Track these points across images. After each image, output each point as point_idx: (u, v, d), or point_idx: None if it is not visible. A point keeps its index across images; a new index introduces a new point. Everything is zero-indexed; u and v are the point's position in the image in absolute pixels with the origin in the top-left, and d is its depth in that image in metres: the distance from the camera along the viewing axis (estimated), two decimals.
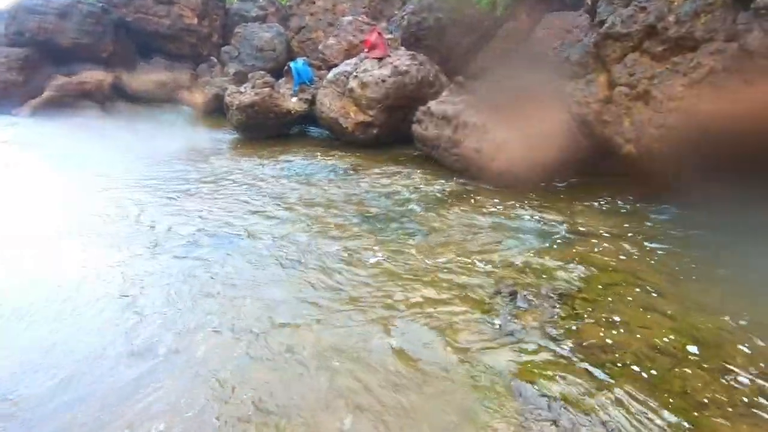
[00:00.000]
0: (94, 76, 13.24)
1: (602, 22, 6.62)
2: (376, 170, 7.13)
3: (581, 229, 4.84)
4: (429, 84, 8.60)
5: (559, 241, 4.55)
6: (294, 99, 9.20)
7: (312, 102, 9.11)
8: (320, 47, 10.48)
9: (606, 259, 4.07)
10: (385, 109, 8.20)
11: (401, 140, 8.65)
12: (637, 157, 6.07)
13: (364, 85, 8.08)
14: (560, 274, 3.80)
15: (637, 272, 3.78)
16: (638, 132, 6.16)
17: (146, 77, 14.42)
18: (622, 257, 4.10)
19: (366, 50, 8.67)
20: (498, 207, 5.44)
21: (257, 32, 15.33)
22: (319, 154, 8.11)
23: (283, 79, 9.74)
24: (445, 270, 3.94)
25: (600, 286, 3.58)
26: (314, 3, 15.21)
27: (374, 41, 8.55)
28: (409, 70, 8.28)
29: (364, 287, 3.65)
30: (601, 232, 4.75)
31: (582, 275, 3.77)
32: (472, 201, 5.67)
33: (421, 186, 6.28)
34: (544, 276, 3.78)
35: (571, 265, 3.94)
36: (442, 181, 6.49)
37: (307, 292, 3.59)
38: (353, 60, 8.74)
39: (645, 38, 6.02)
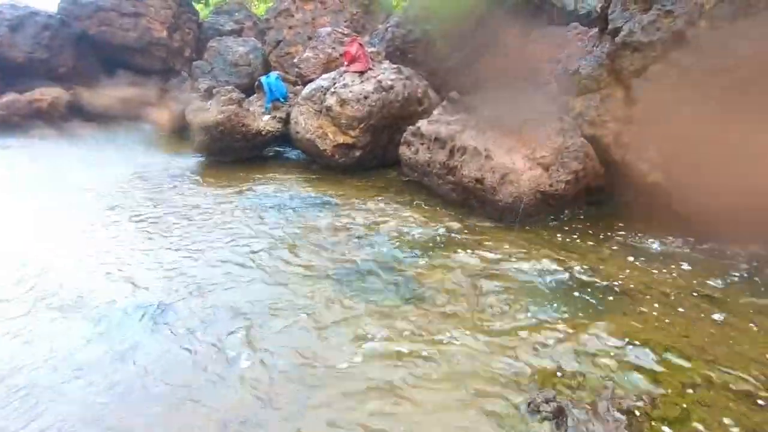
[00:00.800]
0: (47, 93, 11.89)
1: (617, 30, 5.68)
2: (359, 201, 5.98)
3: (620, 283, 3.75)
4: (417, 101, 7.54)
5: (598, 305, 3.43)
6: (266, 118, 8.06)
7: (287, 121, 7.98)
8: (296, 60, 9.39)
9: (671, 337, 2.97)
10: (368, 129, 7.10)
11: (387, 163, 7.54)
12: (667, 187, 5.08)
13: (343, 102, 6.98)
14: (616, 365, 2.68)
15: (725, 360, 2.69)
16: (666, 157, 5.19)
17: (109, 94, 13.08)
18: (693, 335, 3.00)
19: (346, 63, 7.61)
20: (509, 253, 4.32)
21: (232, 46, 14.22)
22: (293, 181, 6.94)
23: (255, 95, 8.60)
24: (451, 361, 2.79)
25: (678, 390, 2.47)
26: (293, 16, 14.19)
27: (355, 53, 7.50)
28: (395, 86, 7.21)
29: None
30: (649, 288, 3.66)
31: (648, 368, 2.65)
32: (476, 244, 4.55)
33: (412, 224, 5.14)
34: (595, 370, 2.66)
35: (629, 349, 2.82)
36: (438, 217, 5.37)
37: None
38: (331, 74, 7.66)
39: (671, 47, 5.09)
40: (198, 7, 20.67)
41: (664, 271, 3.96)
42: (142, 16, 13.79)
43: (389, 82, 7.20)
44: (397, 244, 4.58)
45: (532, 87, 7.44)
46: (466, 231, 4.92)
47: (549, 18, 11.29)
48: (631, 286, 3.72)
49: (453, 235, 4.82)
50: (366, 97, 7.01)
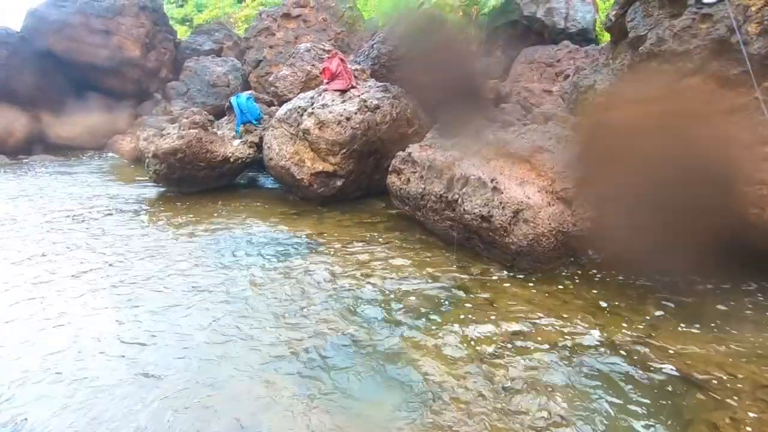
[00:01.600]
0: (3, 118, 10.71)
1: (640, 39, 4.81)
2: (339, 244, 4.90)
3: (688, 368, 2.71)
4: (407, 122, 6.57)
5: (672, 407, 2.39)
6: (236, 142, 7.02)
7: (260, 146, 6.95)
8: (271, 79, 8.41)
9: None
10: (350, 154, 6.08)
11: (374, 193, 6.52)
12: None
13: (322, 124, 5.99)
14: None
15: None
16: None
17: (75, 120, 11.92)
18: None
19: (326, 81, 6.66)
20: (534, 320, 3.26)
21: (209, 66, 13.29)
22: (264, 216, 5.85)
23: (225, 118, 7.58)
24: None
25: None
26: (274, 35, 13.36)
27: (335, 70, 6.54)
28: (381, 105, 6.24)
29: None
30: (731, 375, 2.63)
31: None
32: (488, 306, 3.49)
33: (405, 275, 4.06)
34: None
35: None
36: (436, 264, 4.31)
37: None
38: (309, 93, 6.69)
39: (712, 57, 4.21)
40: (182, 29, 19.92)
41: (739, 345, 2.93)
42: (113, 34, 12.78)
43: (375, 102, 6.23)
44: (387, 308, 3.48)
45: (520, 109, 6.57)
46: (472, 285, 3.86)
47: (538, 38, 10.63)
48: (705, 371, 2.68)
49: (457, 292, 3.74)
50: (348, 119, 6.01)
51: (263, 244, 4.93)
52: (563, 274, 4.03)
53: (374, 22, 13.10)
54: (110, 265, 4.35)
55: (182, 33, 18.22)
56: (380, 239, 5.02)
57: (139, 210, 6.09)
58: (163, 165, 6.35)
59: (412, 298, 3.65)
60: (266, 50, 13.14)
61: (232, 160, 6.71)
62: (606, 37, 7.10)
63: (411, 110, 6.69)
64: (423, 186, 5.02)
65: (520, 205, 4.07)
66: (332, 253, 4.65)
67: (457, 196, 4.54)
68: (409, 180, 5.27)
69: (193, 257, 4.56)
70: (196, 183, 6.71)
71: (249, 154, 6.91)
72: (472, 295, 3.67)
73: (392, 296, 3.68)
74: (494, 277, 4.00)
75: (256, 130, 7.18)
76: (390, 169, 5.61)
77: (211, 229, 5.40)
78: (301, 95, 6.75)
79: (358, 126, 6.03)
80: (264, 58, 13.04)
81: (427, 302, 3.58)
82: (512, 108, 6.54)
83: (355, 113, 6.08)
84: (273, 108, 7.56)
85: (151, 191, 7.05)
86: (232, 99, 7.21)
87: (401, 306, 3.52)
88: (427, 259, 4.43)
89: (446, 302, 3.58)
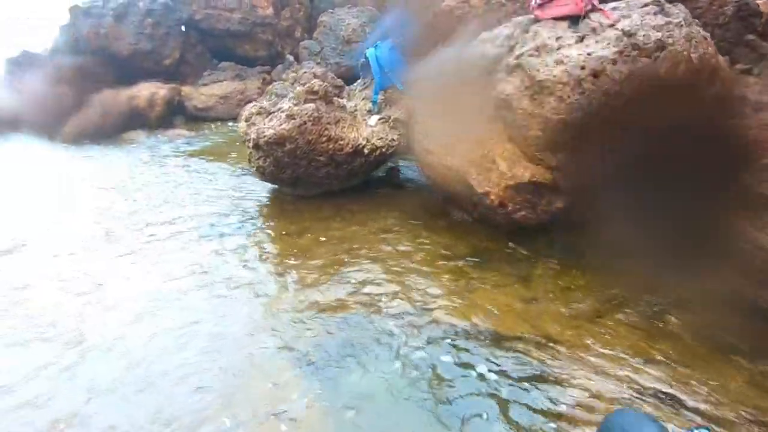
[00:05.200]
0: (145, 90, 9.93)
1: None
2: (592, 357, 1.93)
3: None
4: (708, 74, 3.04)
5: None
6: (373, 120, 4.38)
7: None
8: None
9: None
10: (581, 139, 2.93)
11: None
12: None
13: (539, 86, 2.88)
14: None
15: None
16: None
17: (210, 90, 10.86)
18: None
19: (535, 2, 3.46)
20: None
21: (344, 19, 10.81)
22: (422, 273, 3.14)
23: (359, 82, 4.95)
24: None
25: None
26: None
27: None
28: (667, 42, 2.84)
29: None
30: None
31: None
32: None
33: None
34: None
35: None
36: None
37: None
38: (502, 30, 3.54)
39: None
40: None
41: None
42: None
43: (652, 35, 2.84)
44: None
45: None
46: None
47: None
48: None
49: None
50: (596, 73, 2.80)
51: (410, 336, 2.21)
52: None
53: None
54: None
55: None
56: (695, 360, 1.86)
57: (238, 228, 3.91)
58: (267, 160, 4.01)
59: None
60: None
61: (366, 151, 4.06)
62: None
63: (711, 52, 3.08)
64: None
65: None
66: (575, 381, 1.67)
67: None
68: None
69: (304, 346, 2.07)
70: (315, 184, 4.28)
71: (392, 140, 4.18)
72: None
73: None
74: None
75: (404, 98, 4.37)
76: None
77: (338, 299, 2.86)
78: (486, 35, 3.61)
79: (613, 83, 2.76)
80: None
81: None
82: None
83: (611, 60, 2.80)
84: None
85: (261, 189, 4.89)
86: (368, 51, 4.45)
87: None
88: None
89: None
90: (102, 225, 4.03)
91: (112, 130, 9.28)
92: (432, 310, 2.70)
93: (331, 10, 11.25)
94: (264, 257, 3.37)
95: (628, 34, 2.88)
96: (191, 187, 5.14)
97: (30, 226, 4.08)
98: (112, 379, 2.22)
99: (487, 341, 2.39)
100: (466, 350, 2.33)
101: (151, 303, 2.80)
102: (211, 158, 6.61)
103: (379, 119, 4.40)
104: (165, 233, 3.78)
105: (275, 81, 10.75)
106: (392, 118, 4.30)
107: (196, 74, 11.40)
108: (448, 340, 2.41)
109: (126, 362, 2.33)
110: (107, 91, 9.72)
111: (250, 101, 10.31)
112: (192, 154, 7.05)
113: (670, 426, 0.85)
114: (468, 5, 4.76)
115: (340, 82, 4.84)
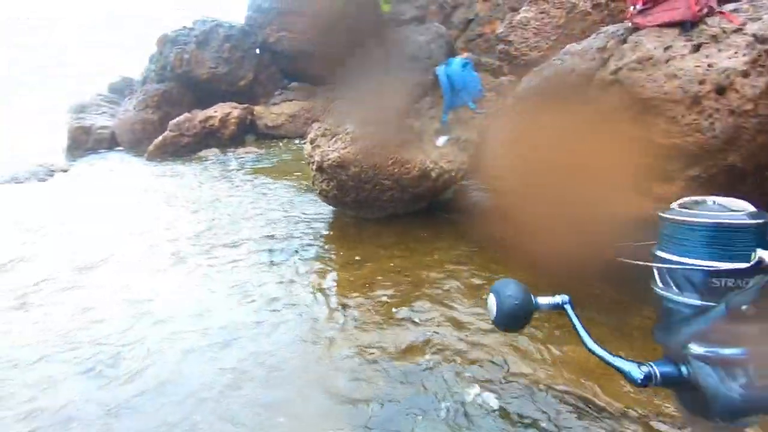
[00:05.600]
0: (219, 110, 10.52)
1: None
2: None
3: None
4: None
5: None
6: (441, 141, 4.10)
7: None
8: (500, 31, 5.02)
9: None
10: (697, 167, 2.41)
11: None
12: None
13: (645, 105, 2.43)
14: None
15: None
16: None
17: (280, 109, 11.30)
18: None
19: (634, 8, 3.01)
20: None
21: (410, 36, 10.72)
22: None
23: (427, 99, 4.71)
24: None
25: None
26: None
27: None
28: None
29: None
30: None
31: None
32: None
33: None
34: None
35: None
36: None
37: None
38: (592, 41, 3.09)
39: None
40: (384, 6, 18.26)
41: None
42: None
43: None
44: None
45: None
46: None
47: None
48: None
49: None
50: (722, 90, 2.30)
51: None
52: None
53: None
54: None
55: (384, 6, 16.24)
56: None
57: (299, 254, 3.79)
58: (331, 183, 3.88)
59: None
60: (479, 5, 9.81)
61: (433, 175, 3.78)
62: None
63: None
64: None
65: None
66: None
67: None
68: None
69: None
70: (379, 208, 4.07)
71: (462, 162, 3.86)
72: None
73: None
74: None
75: (475, 116, 4.06)
76: None
77: (401, 344, 2.57)
78: (573, 47, 3.20)
79: (749, 104, 2.25)
80: (476, 15, 9.75)
81: None
82: None
83: (741, 72, 2.29)
84: (503, 79, 4.27)
85: (323, 210, 4.79)
86: (439, 68, 4.20)
87: None
88: None
89: None
90: (170, 244, 4.13)
91: (189, 149, 9.91)
92: (510, 364, 2.31)
93: (397, 28, 11.27)
94: (323, 288, 3.18)
95: (762, 40, 2.35)
96: (256, 206, 5.19)
97: (105, 241, 4.28)
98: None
99: (589, 415, 1.96)
100: (557, 427, 1.93)
101: (204, 339, 2.70)
102: (277, 176, 6.71)
103: (447, 140, 4.11)
104: (227, 256, 3.76)
105: (337, 99, 10.92)
106: (463, 138, 3.99)
107: (267, 94, 11.95)
108: (536, 408, 2.02)
109: (187, 401, 2.21)
110: (185, 114, 10.42)
111: (315, 120, 10.59)
112: (259, 172, 7.22)
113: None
114: (547, 16, 4.37)
115: (405, 99, 4.63)
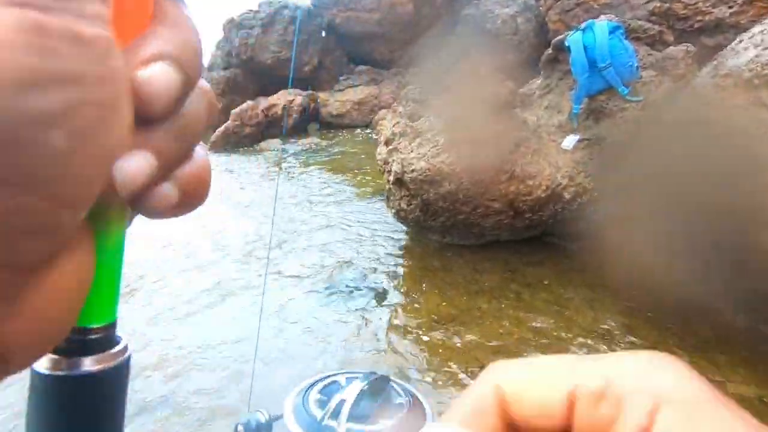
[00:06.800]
0: (282, 98, 9.83)
1: None
2: None
3: None
4: None
5: None
6: (570, 142, 2.85)
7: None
8: None
9: None
10: None
11: None
12: None
13: None
14: None
15: None
16: None
17: (344, 96, 10.40)
18: None
19: None
20: None
21: (492, 10, 9.26)
22: None
23: (539, 82, 3.41)
24: None
25: None
26: None
27: None
28: None
29: None
30: None
31: None
32: None
33: None
34: None
35: None
36: None
37: None
38: (755, 27, 1.70)
39: None
40: None
41: None
42: None
43: None
44: None
45: None
46: None
47: None
48: None
49: None
50: None
51: None
52: None
53: None
54: None
55: None
56: None
57: (362, 293, 2.77)
58: (413, 202, 2.78)
59: None
60: None
61: (567, 195, 2.52)
62: None
63: None
64: None
65: None
66: None
67: None
68: None
69: None
70: (477, 235, 2.92)
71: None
72: None
73: None
74: None
75: (627, 106, 2.71)
76: None
77: None
78: (745, 35, 1.76)
79: None
80: None
81: None
82: None
83: None
84: (672, 50, 2.85)
85: (397, 226, 3.73)
86: (571, 36, 2.88)
87: None
88: None
89: None
90: (223, 257, 3.32)
91: (251, 138, 9.34)
92: None
93: (476, 1, 9.77)
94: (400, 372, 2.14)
95: None
96: (315, 210, 4.28)
97: (159, 250, 3.57)
98: None
99: None
100: None
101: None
102: (340, 174, 5.76)
103: (578, 140, 2.83)
104: (280, 281, 2.85)
105: (410, 84, 9.69)
106: (605, 139, 2.69)
107: (332, 79, 11.11)
108: None
109: None
110: (248, 102, 9.84)
111: (383, 107, 9.53)
112: (322, 167, 6.33)
113: None
114: None
115: (510, 85, 3.38)
